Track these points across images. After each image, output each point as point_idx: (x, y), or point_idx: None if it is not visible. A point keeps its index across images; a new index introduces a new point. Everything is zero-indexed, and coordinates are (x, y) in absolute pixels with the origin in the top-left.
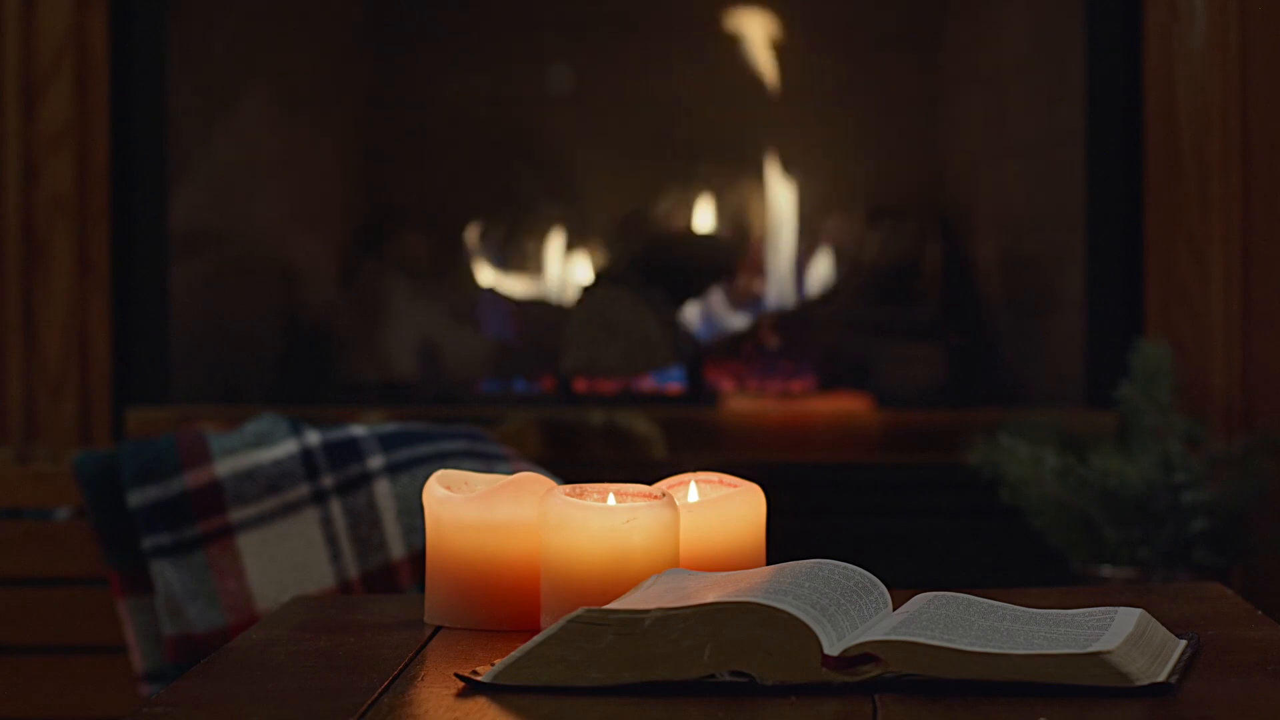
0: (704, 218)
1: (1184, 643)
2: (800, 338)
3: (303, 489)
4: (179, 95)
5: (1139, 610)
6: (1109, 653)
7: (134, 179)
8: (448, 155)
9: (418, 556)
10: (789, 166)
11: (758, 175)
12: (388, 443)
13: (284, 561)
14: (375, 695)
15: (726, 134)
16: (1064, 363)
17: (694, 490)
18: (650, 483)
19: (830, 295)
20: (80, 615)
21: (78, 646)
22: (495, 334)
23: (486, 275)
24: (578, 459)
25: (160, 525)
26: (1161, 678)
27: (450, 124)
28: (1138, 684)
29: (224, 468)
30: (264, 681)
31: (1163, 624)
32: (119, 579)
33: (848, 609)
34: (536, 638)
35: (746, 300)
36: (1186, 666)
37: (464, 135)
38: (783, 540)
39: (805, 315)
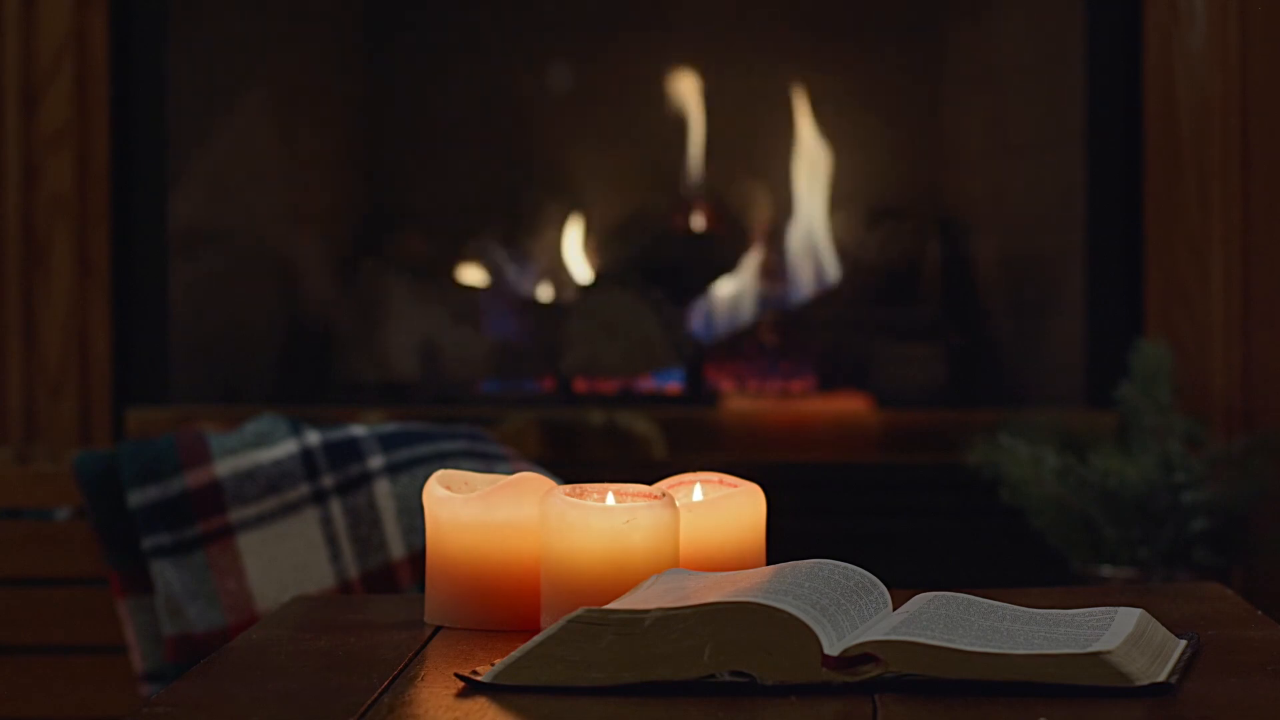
0: (704, 218)
1: (1184, 643)
2: (800, 338)
3: (303, 489)
4: (179, 95)
5: (1139, 610)
6: (1109, 653)
7: (134, 179)
8: (448, 155)
9: (418, 556)
10: (789, 166)
11: (758, 175)
12: (388, 443)
13: (284, 561)
14: (375, 695)
15: (727, 133)
16: (1064, 363)
17: (694, 490)
18: (650, 483)
19: (830, 295)
20: (80, 615)
21: (78, 646)
22: (495, 334)
23: (487, 275)
24: (578, 459)
25: (160, 525)
26: (1161, 678)
27: (450, 124)
28: (1138, 684)
29: (224, 468)
30: (264, 681)
31: (1163, 624)
32: (119, 579)
33: (848, 609)
34: (536, 638)
35: (747, 300)
36: (1186, 666)
37: (464, 135)
38: (783, 540)
39: (805, 315)
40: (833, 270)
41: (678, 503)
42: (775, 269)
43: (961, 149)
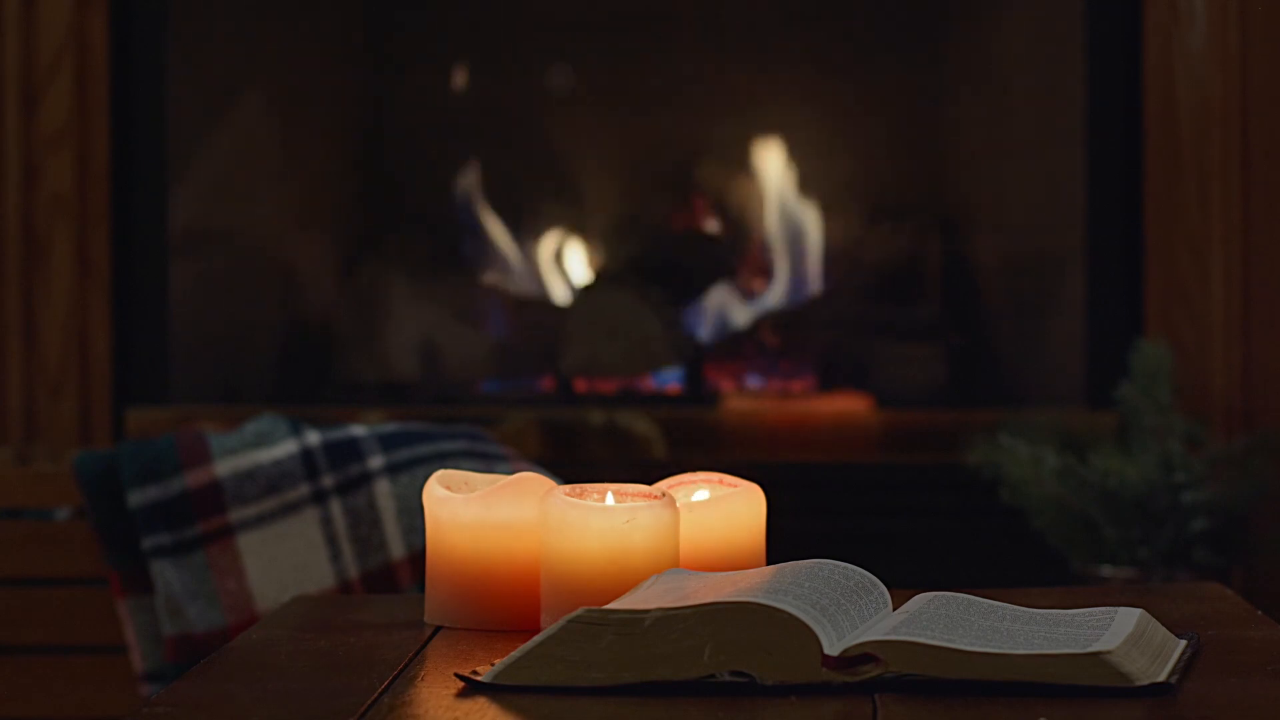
0: (704, 218)
1: (1184, 643)
2: (800, 338)
3: (303, 489)
4: (179, 95)
5: (1139, 610)
6: (1109, 653)
7: (134, 179)
8: (448, 155)
9: (418, 556)
10: (789, 166)
11: (758, 175)
12: (388, 443)
13: (284, 561)
14: (375, 695)
15: (727, 133)
16: (1064, 363)
17: (694, 490)
18: (650, 483)
19: (830, 295)
20: (80, 615)
21: (78, 646)
22: (495, 334)
23: (487, 275)
24: (578, 459)
25: (160, 525)
26: (1161, 678)
27: (450, 124)
28: (1138, 684)
29: (224, 468)
30: (264, 681)
31: (1163, 624)
32: (119, 579)
33: (848, 609)
34: (536, 638)
35: (746, 300)
36: (1186, 666)
37: (464, 135)
38: (783, 540)
39: (805, 315)
40: (832, 270)
41: (678, 503)
42: (775, 269)
43: (961, 149)
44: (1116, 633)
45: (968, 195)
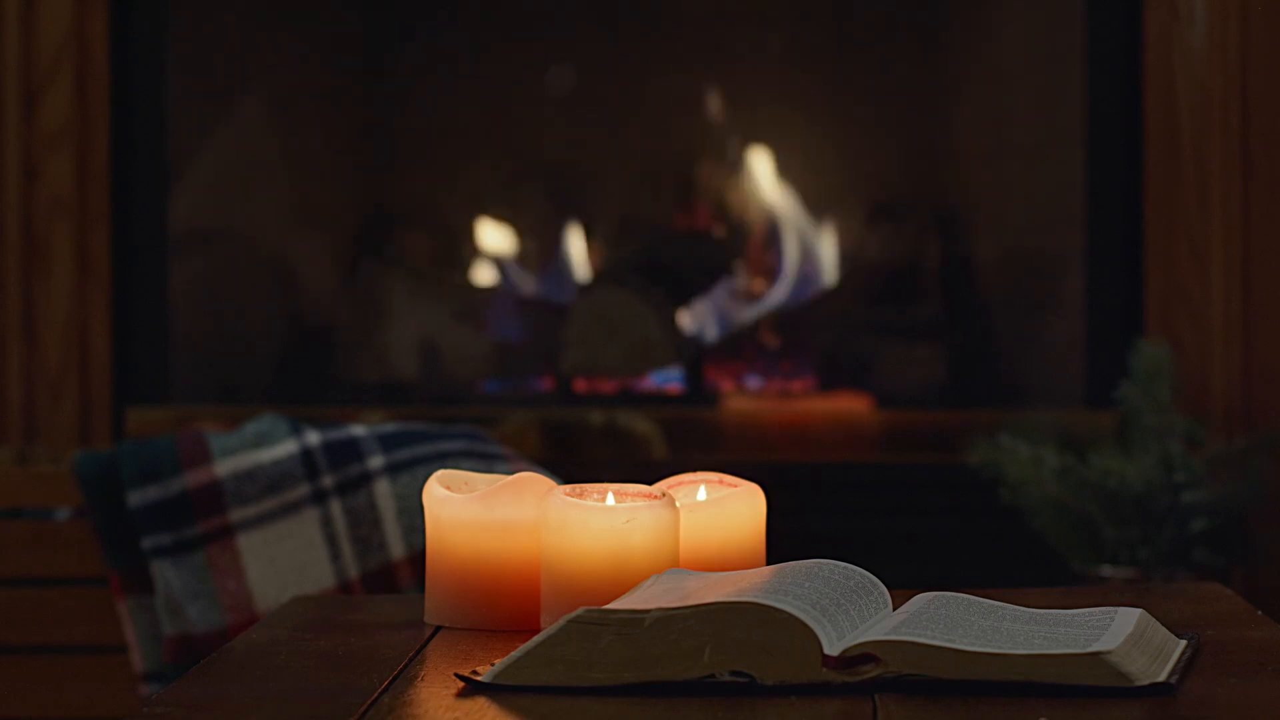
0: (704, 218)
1: (1184, 643)
2: (800, 338)
3: (303, 489)
4: (179, 95)
5: (1139, 610)
6: (1109, 653)
7: (134, 179)
8: (448, 155)
9: (418, 556)
10: (789, 166)
11: (758, 174)
12: (388, 443)
13: (284, 561)
14: (375, 695)
15: (727, 133)
16: (1064, 363)
17: (695, 490)
18: (650, 483)
19: (830, 295)
20: (80, 615)
21: (78, 646)
22: (495, 334)
23: (487, 275)
24: (578, 459)
25: (160, 525)
26: (1161, 678)
27: (450, 124)
28: (1138, 684)
29: (224, 468)
30: (264, 681)
31: (1163, 624)
32: (119, 579)
33: (848, 609)
34: (536, 638)
35: (746, 300)
36: (1186, 666)
37: (464, 135)
38: (783, 540)
39: (805, 315)
40: (832, 270)
41: (678, 503)
42: (775, 269)
43: (961, 149)
44: (1116, 633)
45: (968, 195)
